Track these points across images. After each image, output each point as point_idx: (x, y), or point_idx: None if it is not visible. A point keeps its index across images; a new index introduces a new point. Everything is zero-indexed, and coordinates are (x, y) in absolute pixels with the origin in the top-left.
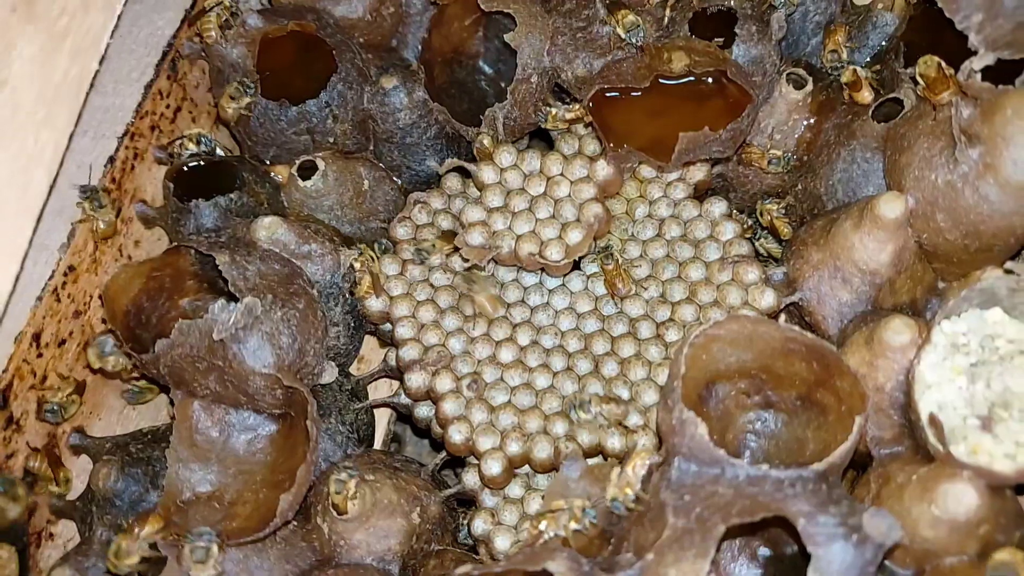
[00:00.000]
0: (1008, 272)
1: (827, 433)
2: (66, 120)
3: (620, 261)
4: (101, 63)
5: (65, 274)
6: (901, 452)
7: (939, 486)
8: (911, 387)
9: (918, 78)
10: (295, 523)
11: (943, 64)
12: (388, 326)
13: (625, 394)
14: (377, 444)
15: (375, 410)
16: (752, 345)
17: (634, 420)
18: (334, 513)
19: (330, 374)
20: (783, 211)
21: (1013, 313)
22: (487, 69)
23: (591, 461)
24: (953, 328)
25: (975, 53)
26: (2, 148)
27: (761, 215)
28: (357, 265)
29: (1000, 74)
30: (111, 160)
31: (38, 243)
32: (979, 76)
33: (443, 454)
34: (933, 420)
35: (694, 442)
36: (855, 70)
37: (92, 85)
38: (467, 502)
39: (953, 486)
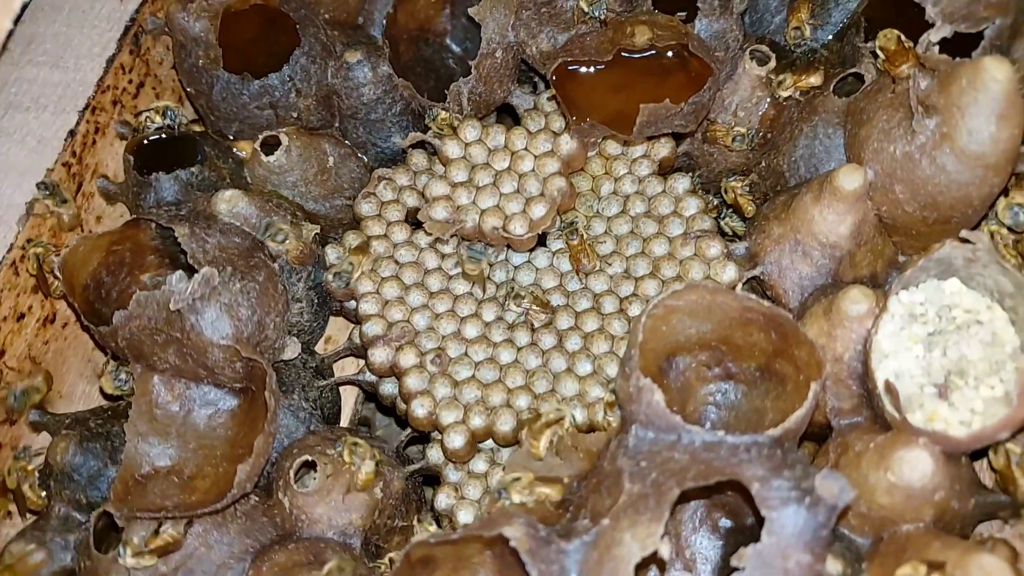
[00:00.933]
0: (963, 241)
1: (785, 403)
2: None
3: (585, 236)
4: (16, 23)
5: (23, 247)
6: (860, 422)
7: (895, 453)
8: (868, 356)
9: (878, 51)
10: (256, 498)
11: (902, 37)
12: (353, 303)
13: (588, 367)
14: (343, 424)
15: (342, 391)
16: (711, 315)
17: (596, 393)
18: (295, 487)
19: (292, 349)
20: (747, 188)
21: (970, 284)
22: (454, 47)
23: None
24: (911, 298)
25: (933, 27)
26: None
27: (725, 192)
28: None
29: (958, 49)
30: (71, 134)
31: None
32: (937, 48)
33: (408, 431)
34: (889, 387)
35: (651, 409)
36: (791, 77)
37: (5, 46)
38: (433, 480)
39: (909, 452)
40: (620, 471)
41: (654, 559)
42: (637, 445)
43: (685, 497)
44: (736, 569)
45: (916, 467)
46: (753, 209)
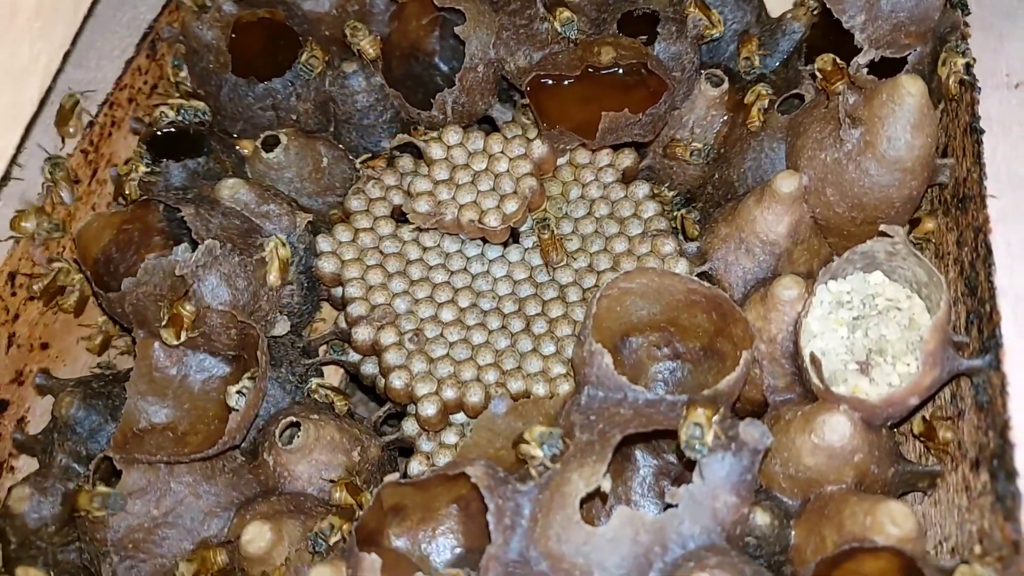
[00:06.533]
0: (883, 235)
1: (724, 377)
2: (62, 36)
3: (555, 232)
4: None
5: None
6: (793, 398)
7: (818, 417)
8: (798, 335)
9: (816, 72)
10: (243, 458)
11: (837, 59)
12: (340, 288)
13: (552, 348)
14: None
15: (327, 373)
16: (660, 297)
17: (558, 370)
18: (279, 445)
19: (282, 327)
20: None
21: (892, 276)
22: (442, 66)
23: None
24: (839, 288)
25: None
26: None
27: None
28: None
29: (889, 74)
30: (90, 125)
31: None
32: (865, 70)
33: (387, 407)
34: (814, 359)
35: (601, 371)
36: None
37: (90, 13)
38: (407, 451)
39: (830, 417)
40: (572, 425)
41: (599, 495)
42: (588, 403)
43: (629, 441)
44: (671, 506)
45: (836, 429)
46: (697, 232)
